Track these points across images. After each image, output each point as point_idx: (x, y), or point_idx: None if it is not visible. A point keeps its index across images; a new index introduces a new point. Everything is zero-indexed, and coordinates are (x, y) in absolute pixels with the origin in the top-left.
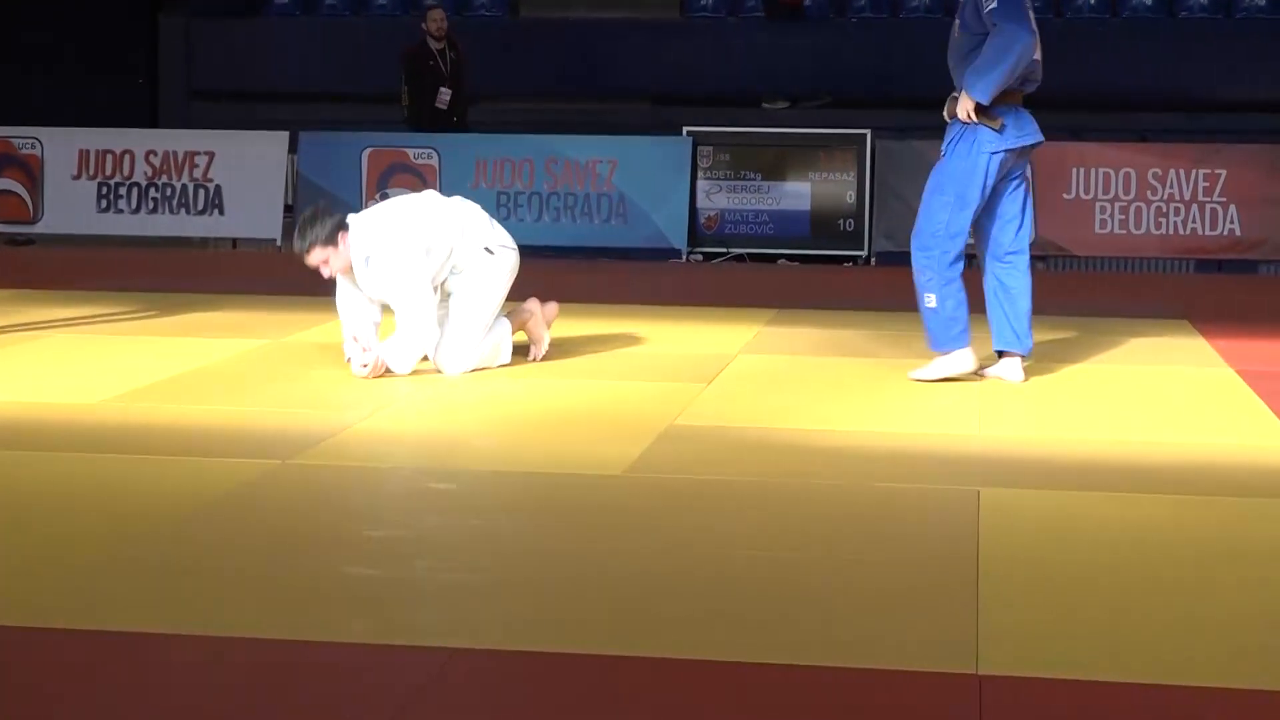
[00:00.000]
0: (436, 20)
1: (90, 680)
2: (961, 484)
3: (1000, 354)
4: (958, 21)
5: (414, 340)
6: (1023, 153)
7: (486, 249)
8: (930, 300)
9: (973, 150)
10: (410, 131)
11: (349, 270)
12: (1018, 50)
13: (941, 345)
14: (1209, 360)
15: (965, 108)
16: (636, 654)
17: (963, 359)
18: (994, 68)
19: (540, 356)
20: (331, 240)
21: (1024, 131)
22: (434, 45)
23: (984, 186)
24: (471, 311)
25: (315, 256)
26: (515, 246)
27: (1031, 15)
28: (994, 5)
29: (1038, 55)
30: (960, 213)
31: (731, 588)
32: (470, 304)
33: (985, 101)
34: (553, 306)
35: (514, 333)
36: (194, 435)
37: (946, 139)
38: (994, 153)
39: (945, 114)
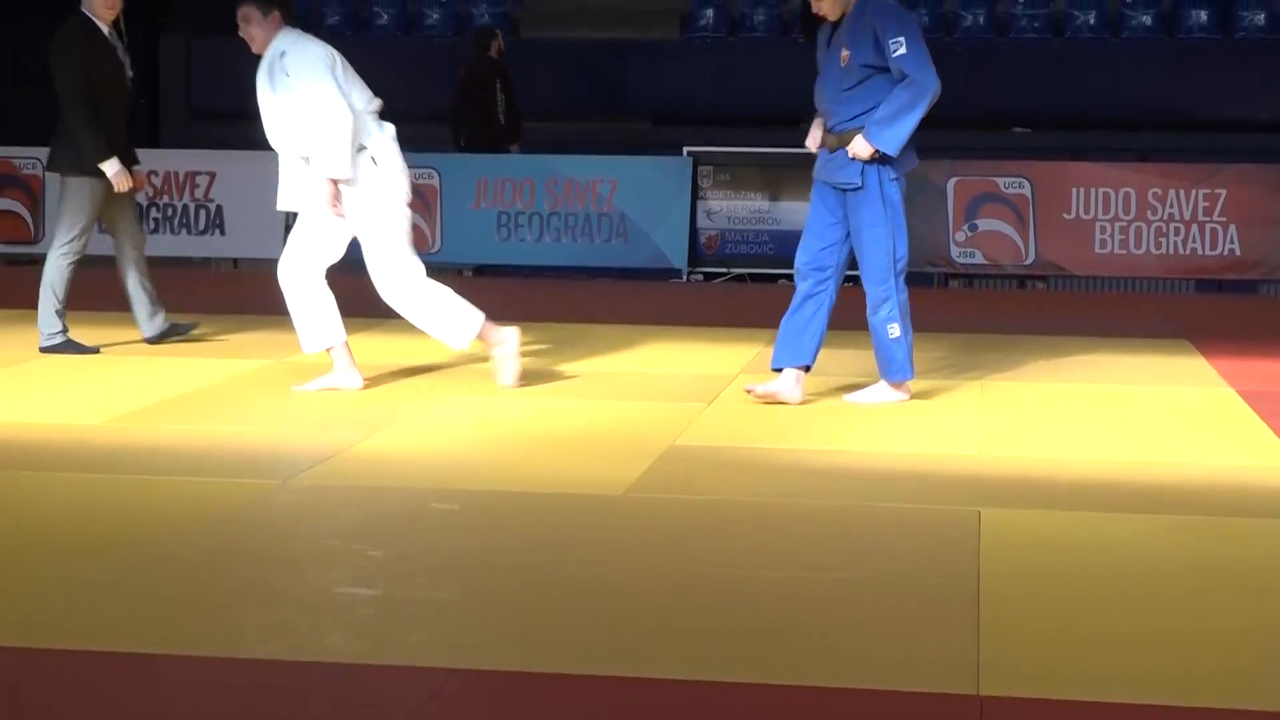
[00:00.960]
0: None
1: (89, 701)
2: (962, 504)
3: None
4: (847, 51)
5: (332, 132)
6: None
7: (372, 158)
8: (894, 331)
9: (885, 180)
10: (464, 151)
11: (262, 47)
12: (928, 101)
13: (901, 374)
14: (1209, 380)
15: (866, 152)
16: (635, 675)
17: (907, 391)
18: (905, 118)
19: (507, 384)
20: (267, 11)
21: (912, 157)
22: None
23: (902, 210)
24: (381, 233)
25: (245, 12)
26: (402, 165)
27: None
28: (902, 51)
29: None
30: (900, 239)
31: (731, 609)
32: (376, 228)
33: (894, 155)
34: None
35: (479, 344)
36: (195, 456)
37: (844, 173)
38: (897, 179)
39: (813, 145)
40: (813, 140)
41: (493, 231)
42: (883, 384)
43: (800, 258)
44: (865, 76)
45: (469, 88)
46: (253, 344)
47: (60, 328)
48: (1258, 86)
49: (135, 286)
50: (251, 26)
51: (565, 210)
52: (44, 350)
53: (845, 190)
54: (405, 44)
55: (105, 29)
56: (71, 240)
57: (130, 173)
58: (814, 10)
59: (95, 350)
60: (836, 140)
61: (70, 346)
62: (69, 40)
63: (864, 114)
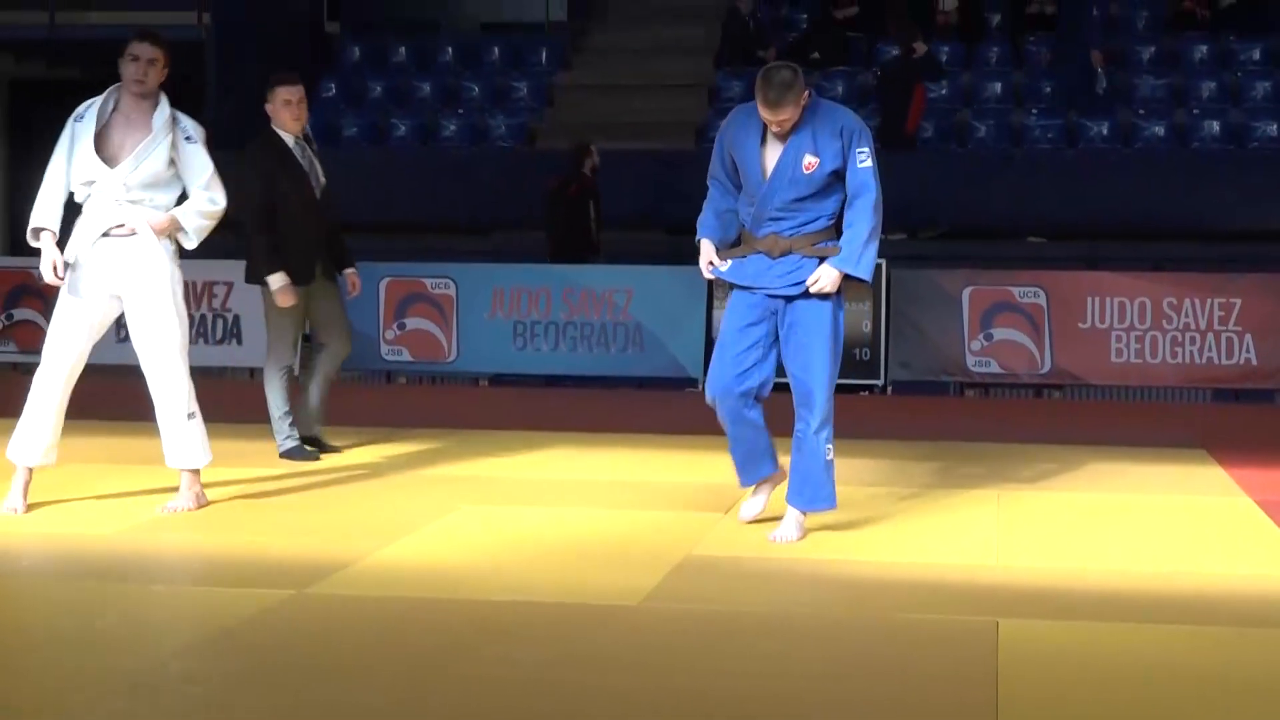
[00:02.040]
0: None
1: None
2: (980, 615)
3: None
4: (814, 159)
5: (210, 222)
6: None
7: (176, 250)
8: (830, 453)
9: (836, 297)
10: (532, 264)
11: (148, 91)
12: (881, 214)
13: (828, 502)
14: (1227, 490)
15: (836, 281)
16: None
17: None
18: (874, 237)
19: (175, 509)
20: (168, 65)
21: None
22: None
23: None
24: (161, 319)
25: (155, 55)
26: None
27: None
28: (869, 163)
29: None
30: (840, 350)
31: None
32: (153, 306)
33: (869, 280)
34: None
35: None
36: (209, 565)
37: (800, 275)
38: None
39: (771, 250)
40: (713, 260)
41: (509, 341)
42: (796, 514)
43: (735, 385)
44: (826, 184)
45: (558, 201)
46: (266, 453)
47: (288, 433)
48: (1271, 196)
49: (314, 395)
50: (155, 69)
51: (581, 319)
52: (282, 456)
53: (794, 298)
54: (423, 155)
55: (291, 141)
56: (280, 350)
57: (338, 278)
58: (774, 131)
59: (317, 457)
60: (788, 245)
61: (298, 452)
62: (249, 158)
63: (816, 219)
